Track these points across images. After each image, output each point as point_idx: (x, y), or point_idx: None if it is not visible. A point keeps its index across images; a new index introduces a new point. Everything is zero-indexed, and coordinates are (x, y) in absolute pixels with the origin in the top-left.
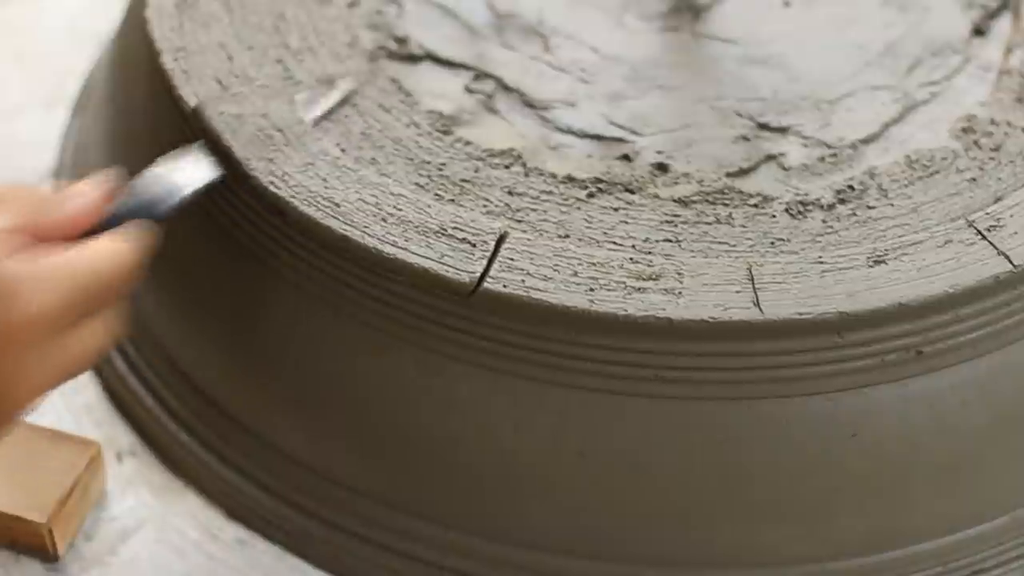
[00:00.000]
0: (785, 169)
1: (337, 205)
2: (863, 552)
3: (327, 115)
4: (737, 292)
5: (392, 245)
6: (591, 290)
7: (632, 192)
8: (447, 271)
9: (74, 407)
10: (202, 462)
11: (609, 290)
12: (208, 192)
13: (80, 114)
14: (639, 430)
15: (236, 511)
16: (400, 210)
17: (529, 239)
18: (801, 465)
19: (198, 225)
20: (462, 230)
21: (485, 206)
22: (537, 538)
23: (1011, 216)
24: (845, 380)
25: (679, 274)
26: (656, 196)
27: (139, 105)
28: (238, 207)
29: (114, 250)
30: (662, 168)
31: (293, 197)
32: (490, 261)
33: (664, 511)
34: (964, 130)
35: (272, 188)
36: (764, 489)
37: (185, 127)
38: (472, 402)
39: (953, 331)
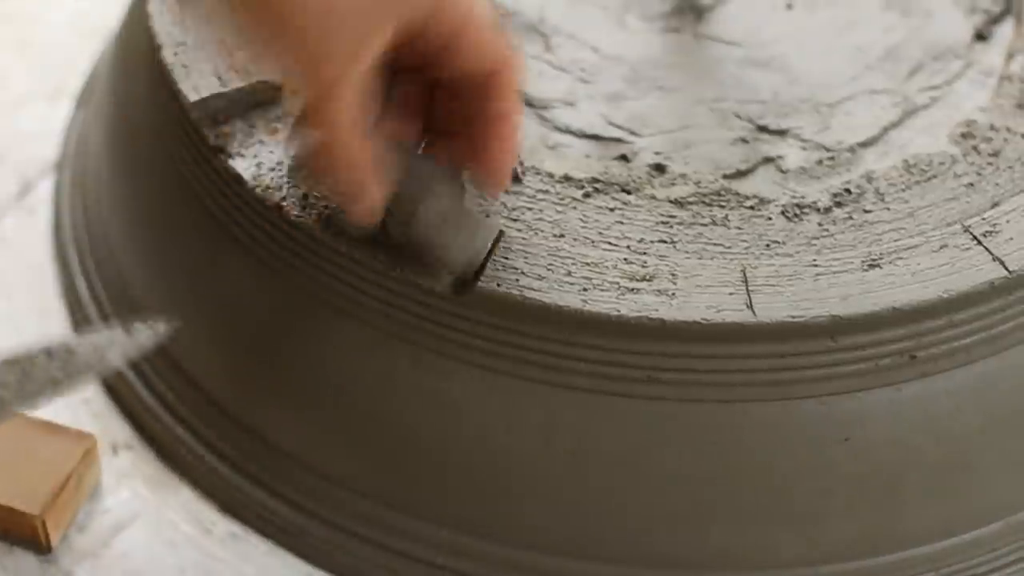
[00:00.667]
0: (783, 172)
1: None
2: (856, 556)
3: None
4: (731, 294)
5: None
6: (584, 290)
7: (629, 192)
8: None
9: (72, 399)
10: (197, 456)
11: (603, 290)
12: (208, 190)
13: (84, 106)
14: (631, 431)
15: (230, 506)
16: None
17: (524, 238)
18: (793, 468)
19: (195, 223)
20: None
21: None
22: (529, 538)
23: (1007, 222)
24: (838, 384)
25: (673, 275)
26: (652, 197)
27: (139, 99)
28: (233, 202)
29: None
30: (659, 169)
31: (288, 195)
32: (485, 259)
33: (656, 513)
34: (963, 135)
35: (268, 187)
36: (756, 492)
37: (184, 121)
38: (465, 401)
39: (947, 336)
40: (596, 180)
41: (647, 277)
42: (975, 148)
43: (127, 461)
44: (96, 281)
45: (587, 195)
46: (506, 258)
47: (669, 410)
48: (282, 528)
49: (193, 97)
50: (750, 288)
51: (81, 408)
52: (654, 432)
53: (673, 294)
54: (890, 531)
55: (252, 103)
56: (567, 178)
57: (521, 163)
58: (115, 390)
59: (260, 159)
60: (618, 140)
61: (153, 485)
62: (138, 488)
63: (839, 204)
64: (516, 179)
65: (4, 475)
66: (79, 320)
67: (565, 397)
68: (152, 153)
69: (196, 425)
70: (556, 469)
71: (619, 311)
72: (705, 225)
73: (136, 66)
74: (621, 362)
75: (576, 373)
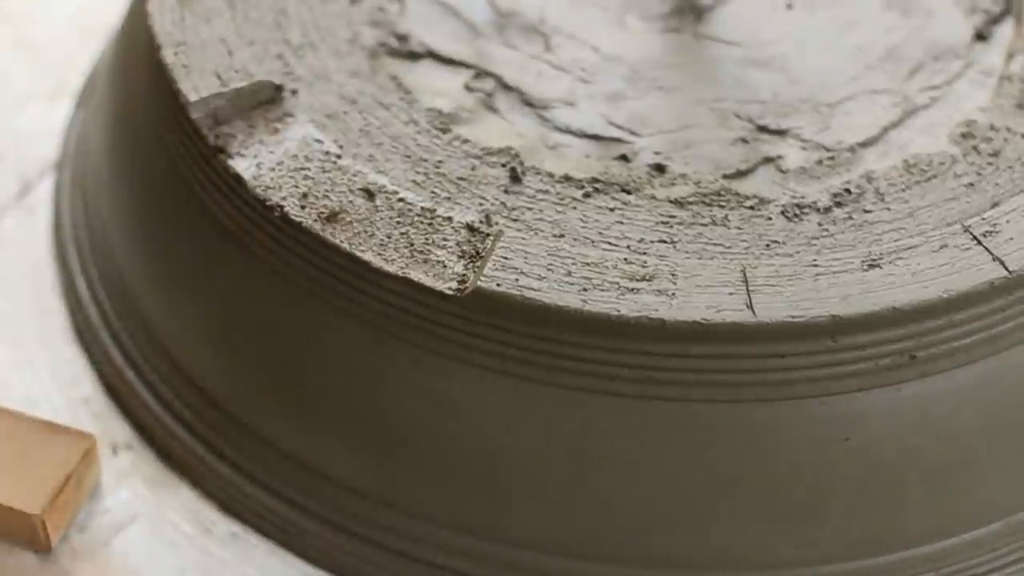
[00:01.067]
0: (783, 172)
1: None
2: (855, 556)
3: None
4: (731, 294)
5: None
6: (584, 290)
7: (629, 192)
8: None
9: (72, 400)
10: (197, 457)
11: (603, 290)
12: (208, 190)
13: (84, 106)
14: (631, 431)
15: (230, 506)
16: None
17: (524, 238)
18: (793, 469)
19: (196, 223)
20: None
21: (481, 204)
22: (528, 538)
23: (1007, 222)
24: (838, 384)
25: (673, 275)
26: (652, 197)
27: (139, 99)
28: (233, 202)
29: None
30: (659, 169)
31: (288, 195)
32: (484, 260)
33: (655, 513)
34: (963, 135)
35: (268, 187)
36: (756, 492)
37: (184, 121)
38: (464, 401)
39: (947, 336)
40: (596, 180)
41: (647, 277)
42: (975, 148)
43: (127, 461)
44: (96, 281)
45: (587, 195)
46: (506, 258)
47: (668, 410)
48: (282, 528)
49: (193, 97)
50: (750, 288)
51: (81, 408)
52: (653, 432)
53: (673, 294)
54: (890, 531)
55: (252, 103)
56: (567, 178)
57: (521, 163)
58: (115, 390)
59: (260, 159)
60: (618, 140)
61: (153, 485)
62: (138, 488)
63: (839, 204)
64: (516, 179)
65: (4, 475)
66: (79, 320)
67: (565, 397)
68: (152, 153)
69: (196, 425)
70: (556, 469)
71: (619, 311)
72: (705, 225)
73: (136, 66)
74: (621, 362)
75: (576, 373)
